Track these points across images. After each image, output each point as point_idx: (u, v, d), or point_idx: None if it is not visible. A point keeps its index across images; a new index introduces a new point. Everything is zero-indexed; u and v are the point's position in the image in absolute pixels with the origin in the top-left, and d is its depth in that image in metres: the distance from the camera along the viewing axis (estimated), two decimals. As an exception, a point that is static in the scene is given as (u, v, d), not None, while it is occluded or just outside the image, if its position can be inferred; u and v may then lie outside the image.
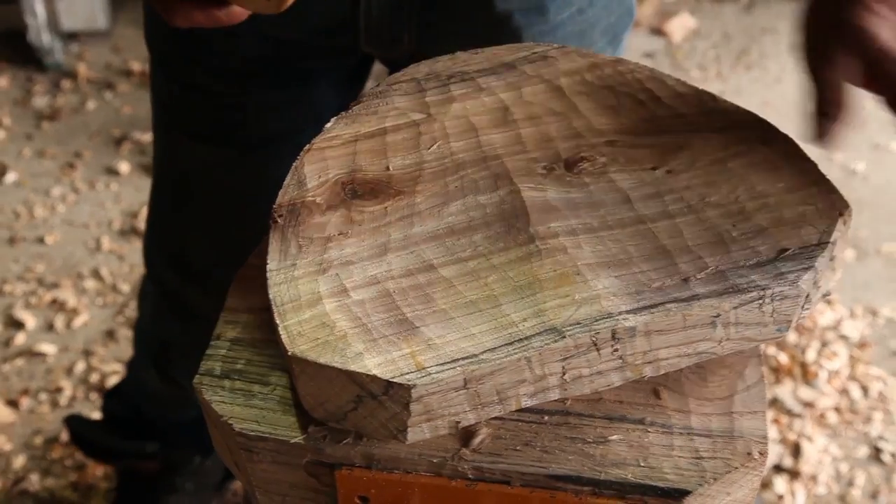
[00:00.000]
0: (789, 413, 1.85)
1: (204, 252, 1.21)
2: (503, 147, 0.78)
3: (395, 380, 0.58)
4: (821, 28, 0.75)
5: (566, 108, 0.82)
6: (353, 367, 0.59)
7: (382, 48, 1.04)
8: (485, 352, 0.60)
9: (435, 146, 0.79)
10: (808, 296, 0.65)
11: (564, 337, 0.60)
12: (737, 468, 0.63)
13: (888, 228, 2.34)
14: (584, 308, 0.62)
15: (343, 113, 0.84)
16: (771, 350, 1.98)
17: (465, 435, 0.64)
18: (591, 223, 0.70)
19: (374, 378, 0.59)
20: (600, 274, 0.65)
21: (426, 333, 0.61)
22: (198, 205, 1.19)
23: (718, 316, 0.62)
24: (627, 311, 0.62)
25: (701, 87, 0.84)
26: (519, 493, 0.63)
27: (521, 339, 0.60)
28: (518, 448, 0.64)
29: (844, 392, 1.91)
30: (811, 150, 0.75)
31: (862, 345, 2.01)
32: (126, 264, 2.21)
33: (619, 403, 0.67)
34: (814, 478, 1.73)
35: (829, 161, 2.55)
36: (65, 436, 1.77)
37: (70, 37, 3.03)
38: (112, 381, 1.89)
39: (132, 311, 2.06)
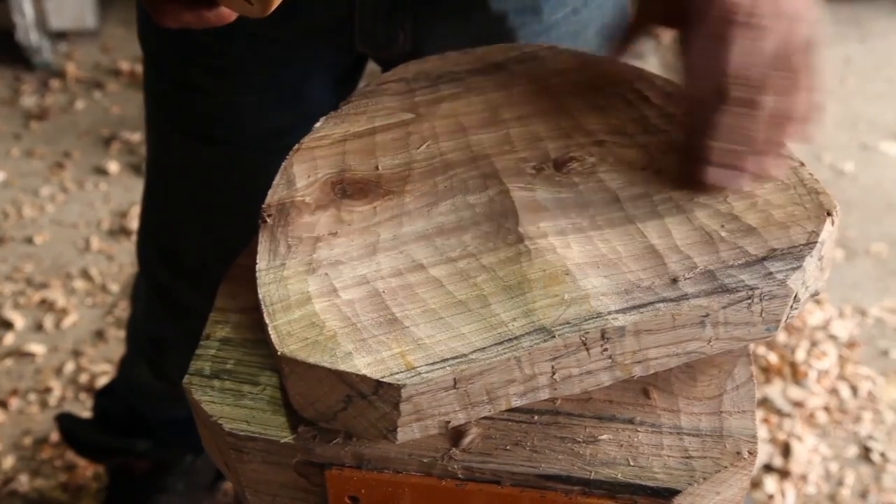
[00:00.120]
0: (779, 413, 1.86)
1: (196, 249, 1.21)
2: (492, 147, 0.79)
3: (384, 379, 0.58)
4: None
5: (555, 108, 0.82)
6: (342, 367, 0.59)
7: (377, 48, 1.04)
8: (474, 351, 0.60)
9: (424, 146, 0.79)
10: (796, 295, 0.65)
11: (554, 337, 0.60)
12: (726, 467, 0.63)
13: (877, 228, 2.35)
14: (574, 308, 0.62)
15: (332, 112, 0.84)
16: (760, 350, 1.98)
17: (455, 435, 0.64)
18: (580, 223, 0.70)
19: (363, 378, 0.59)
20: (589, 274, 0.65)
21: (416, 333, 0.61)
22: (190, 202, 1.19)
23: (707, 315, 0.62)
24: (617, 311, 0.62)
25: (690, 88, 0.84)
26: (509, 493, 0.63)
27: (510, 339, 0.60)
28: (508, 448, 0.64)
29: (834, 392, 1.91)
30: (799, 150, 0.75)
31: (851, 344, 2.02)
32: (115, 264, 2.20)
33: (608, 403, 0.67)
34: (804, 477, 1.74)
35: (818, 161, 2.56)
36: (54, 436, 1.76)
37: (58, 36, 3.02)
38: (101, 381, 1.88)
39: (122, 311, 2.05)
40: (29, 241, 2.27)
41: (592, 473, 0.63)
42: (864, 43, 3.23)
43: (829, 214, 0.68)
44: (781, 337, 2.02)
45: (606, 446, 0.64)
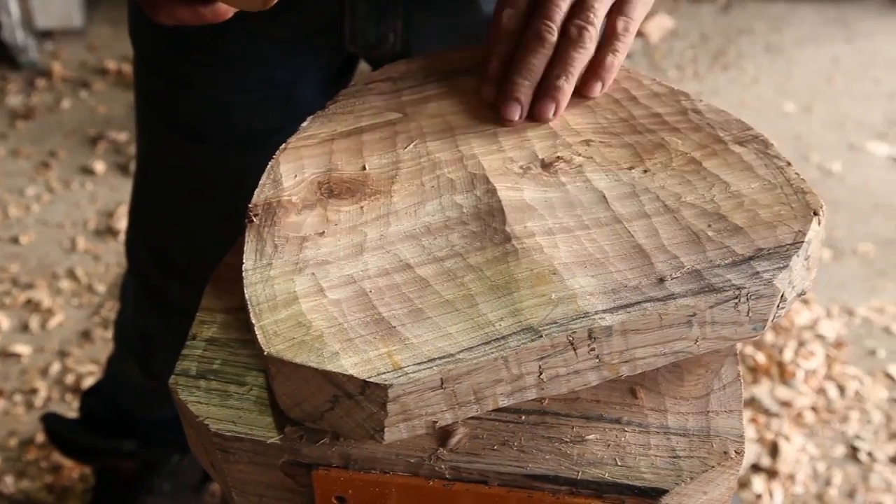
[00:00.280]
0: (767, 412, 1.86)
1: (185, 247, 1.21)
2: (480, 146, 0.78)
3: (371, 379, 0.58)
4: None
5: (543, 108, 0.82)
6: (329, 367, 0.59)
7: (367, 49, 1.04)
8: (461, 351, 0.59)
9: (411, 145, 0.79)
10: (783, 295, 0.65)
11: (541, 336, 0.60)
12: (713, 467, 0.63)
13: (864, 228, 2.36)
14: (561, 307, 0.62)
15: (319, 112, 0.83)
16: (748, 349, 1.99)
17: (443, 435, 0.64)
18: (567, 223, 0.70)
19: (350, 378, 0.58)
20: (577, 273, 0.65)
21: (403, 333, 0.61)
22: (179, 200, 1.18)
23: (694, 315, 0.62)
24: (604, 311, 0.62)
25: (678, 87, 0.84)
26: (496, 493, 0.63)
27: (497, 339, 0.60)
28: (495, 448, 0.64)
29: (821, 391, 1.92)
30: (787, 150, 0.75)
31: (838, 344, 2.03)
32: (102, 264, 2.19)
33: (596, 403, 0.67)
34: (791, 477, 1.74)
35: (805, 161, 2.57)
36: (40, 437, 1.76)
37: (44, 35, 3.02)
38: (88, 382, 1.87)
39: (108, 311, 2.04)
40: (14, 241, 2.27)
41: (580, 473, 0.62)
42: (851, 43, 3.24)
43: (815, 214, 0.68)
44: (769, 337, 2.03)
45: (594, 446, 0.64)
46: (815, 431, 1.84)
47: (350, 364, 0.59)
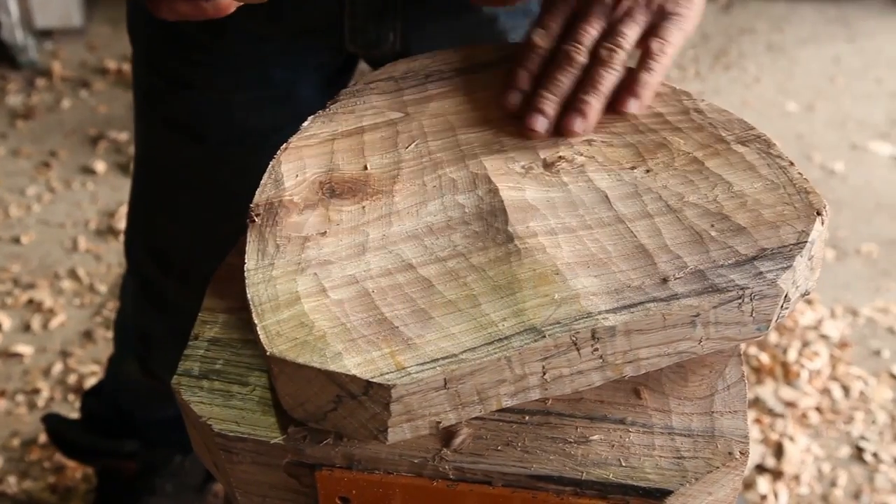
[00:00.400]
0: (771, 413, 1.86)
1: (184, 246, 1.21)
2: (481, 146, 0.78)
3: (374, 380, 0.58)
4: None
5: (545, 108, 0.82)
6: (332, 367, 0.59)
7: (368, 48, 1.04)
8: (465, 351, 0.59)
9: (413, 145, 0.79)
10: (786, 295, 0.65)
11: (544, 336, 0.60)
12: (718, 468, 0.63)
13: (867, 228, 2.36)
14: (564, 308, 0.62)
15: (320, 112, 0.83)
16: (752, 350, 1.98)
17: (446, 435, 0.64)
18: (569, 223, 0.70)
19: (353, 378, 0.58)
20: (579, 273, 0.65)
21: (406, 333, 0.61)
22: (178, 199, 1.18)
23: (698, 315, 0.62)
24: (607, 311, 0.62)
25: (679, 87, 0.84)
26: (500, 494, 0.63)
27: (500, 339, 0.60)
28: (499, 448, 0.64)
29: (826, 392, 1.92)
30: (789, 150, 0.75)
31: (842, 345, 2.02)
32: (103, 264, 2.19)
33: (599, 403, 0.67)
34: (796, 478, 1.74)
35: (808, 161, 2.56)
36: (43, 437, 1.76)
37: (44, 34, 3.01)
38: (90, 382, 1.87)
39: (110, 311, 2.04)
40: (16, 240, 2.26)
41: (584, 474, 0.62)
42: (853, 42, 3.24)
43: (818, 214, 0.68)
44: (773, 337, 2.03)
45: (598, 447, 0.64)
46: (820, 432, 1.83)
47: (353, 364, 0.59)
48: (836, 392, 1.92)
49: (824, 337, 2.05)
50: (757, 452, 1.78)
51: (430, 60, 0.89)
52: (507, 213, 0.70)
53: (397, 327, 0.61)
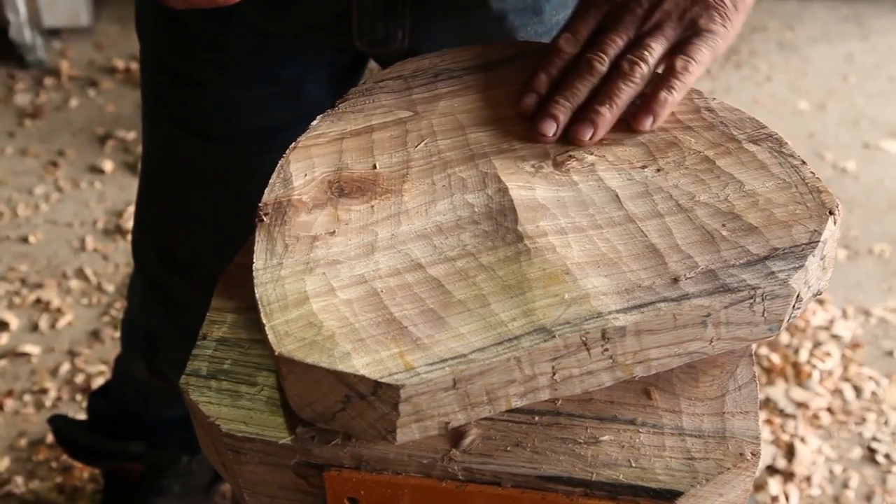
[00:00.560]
0: (782, 413, 1.85)
1: (191, 245, 1.21)
2: (491, 145, 0.78)
3: (383, 380, 0.57)
4: None
5: (555, 106, 0.82)
6: (340, 368, 0.58)
7: (376, 46, 1.04)
8: (474, 351, 0.59)
9: (422, 144, 0.78)
10: (798, 295, 0.64)
11: (554, 337, 0.60)
12: (729, 469, 0.62)
13: (879, 228, 2.35)
14: (574, 308, 0.62)
15: (329, 110, 0.83)
16: (763, 350, 1.98)
17: (455, 436, 0.64)
18: (579, 222, 0.69)
19: (362, 378, 0.58)
20: (589, 273, 0.64)
21: (415, 333, 0.61)
22: (186, 197, 1.18)
23: (709, 315, 0.62)
24: (617, 311, 0.61)
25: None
26: (510, 495, 0.63)
27: (510, 339, 0.60)
28: (508, 449, 0.63)
29: (837, 392, 1.91)
30: (801, 149, 0.75)
31: (854, 345, 2.01)
32: (111, 264, 2.19)
33: (609, 404, 0.67)
34: (808, 479, 1.73)
35: (820, 160, 2.55)
36: (50, 438, 1.76)
37: (52, 33, 3.02)
38: (97, 381, 1.87)
39: (117, 311, 2.04)
40: (24, 240, 2.27)
41: (594, 475, 0.62)
42: (866, 41, 3.23)
43: (831, 213, 0.68)
44: (784, 337, 2.02)
45: (608, 447, 0.64)
46: (832, 433, 1.83)
47: (362, 364, 0.58)
48: (848, 393, 1.91)
49: (836, 337, 2.04)
50: (768, 453, 1.77)
51: (439, 59, 0.89)
52: (517, 213, 0.70)
53: (406, 327, 0.61)
